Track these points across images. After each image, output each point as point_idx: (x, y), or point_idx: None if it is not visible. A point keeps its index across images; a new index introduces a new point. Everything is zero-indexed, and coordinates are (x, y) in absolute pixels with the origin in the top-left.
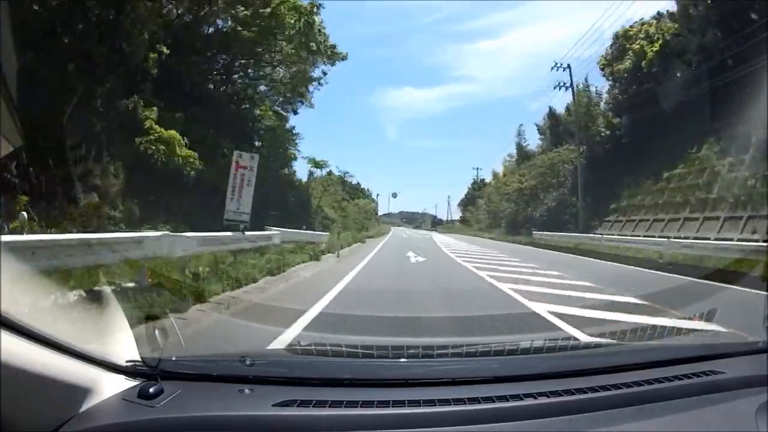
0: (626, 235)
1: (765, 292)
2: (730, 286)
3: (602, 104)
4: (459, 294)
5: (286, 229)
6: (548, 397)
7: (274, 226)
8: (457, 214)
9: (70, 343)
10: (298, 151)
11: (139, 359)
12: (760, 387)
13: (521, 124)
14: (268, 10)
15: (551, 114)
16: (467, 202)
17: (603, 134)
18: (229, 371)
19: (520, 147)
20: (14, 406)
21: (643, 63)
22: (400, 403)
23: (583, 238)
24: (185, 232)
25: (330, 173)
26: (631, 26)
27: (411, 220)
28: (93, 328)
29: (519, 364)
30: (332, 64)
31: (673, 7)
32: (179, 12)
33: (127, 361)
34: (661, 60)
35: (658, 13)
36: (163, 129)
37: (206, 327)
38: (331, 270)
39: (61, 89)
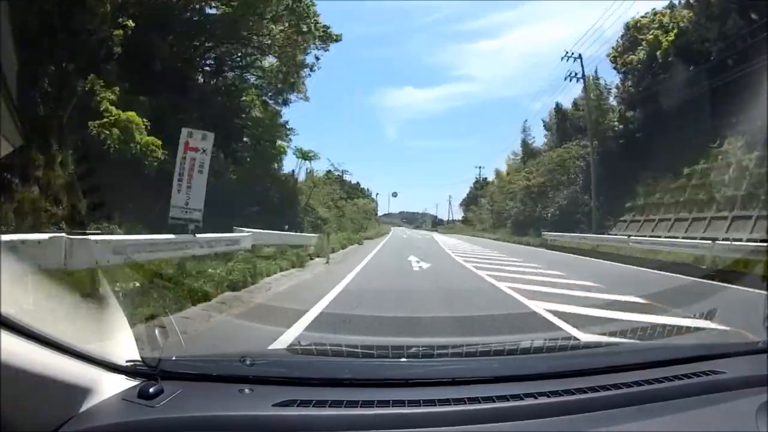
0: (659, 236)
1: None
2: None
3: (611, 99)
4: (487, 322)
5: (264, 231)
6: (548, 397)
7: (251, 227)
8: (458, 214)
9: (70, 343)
10: (290, 143)
11: (139, 359)
12: (760, 387)
13: (526, 120)
14: None
15: (558, 109)
16: (469, 202)
17: (616, 128)
18: (229, 371)
19: (525, 144)
20: (14, 406)
21: (658, 53)
22: (400, 403)
23: (602, 240)
24: (141, 233)
25: (329, 172)
26: (643, 16)
27: (411, 220)
28: (93, 328)
29: (519, 364)
30: (325, 49)
31: None
32: None
33: (127, 361)
34: (677, 50)
35: (671, 2)
36: (120, 111)
37: None
38: (315, 281)
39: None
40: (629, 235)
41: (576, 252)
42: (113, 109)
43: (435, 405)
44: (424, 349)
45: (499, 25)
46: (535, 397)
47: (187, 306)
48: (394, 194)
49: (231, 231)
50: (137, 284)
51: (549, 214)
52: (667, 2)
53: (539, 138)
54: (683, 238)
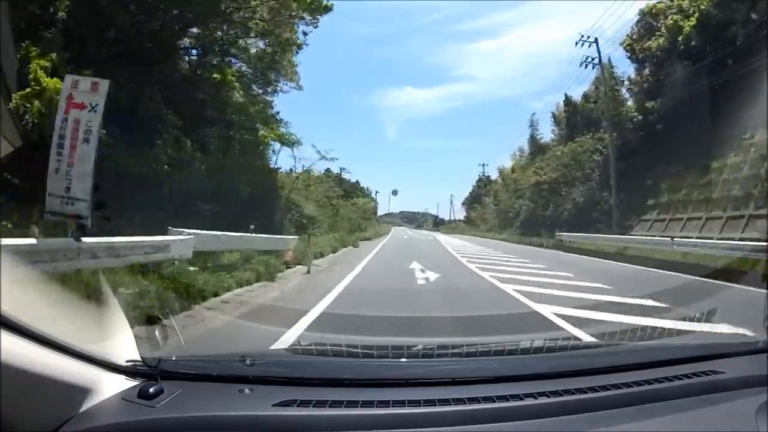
0: (710, 239)
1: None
2: None
3: (624, 90)
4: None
5: (220, 233)
6: (548, 397)
7: (208, 228)
8: (460, 214)
9: (70, 343)
10: (278, 131)
11: (139, 359)
12: (760, 387)
13: (534, 114)
14: None
15: (568, 102)
16: (472, 201)
17: (635, 119)
18: (229, 371)
19: (533, 139)
20: (14, 406)
21: (679, 39)
22: (400, 403)
23: (628, 242)
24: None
25: (328, 170)
26: (659, 1)
27: (412, 220)
28: (93, 328)
29: (519, 364)
30: (315, 25)
31: None
32: None
33: (127, 361)
34: (700, 34)
35: None
36: (49, 79)
37: None
38: (284, 302)
39: None
40: (672, 237)
41: (602, 255)
42: (43, 76)
43: (435, 405)
44: (424, 350)
45: (499, 25)
46: (535, 397)
47: None
48: (395, 192)
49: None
50: None
51: (564, 213)
52: None
53: (546, 134)
54: (718, 239)
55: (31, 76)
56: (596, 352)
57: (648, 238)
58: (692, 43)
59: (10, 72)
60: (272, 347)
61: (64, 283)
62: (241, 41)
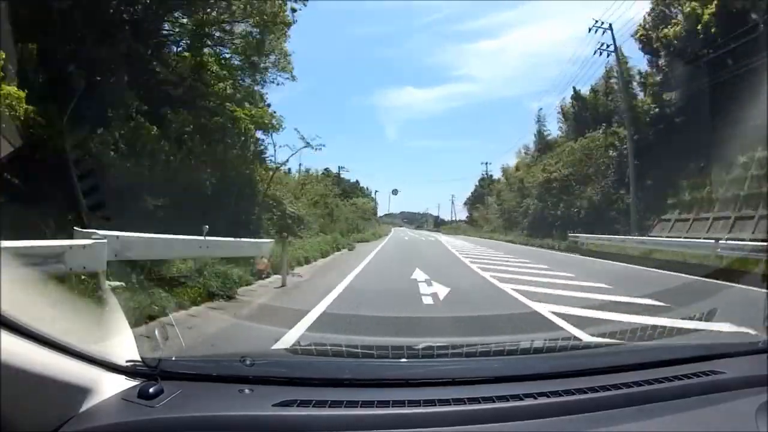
0: (742, 240)
1: None
2: None
3: (635, 84)
4: None
5: (164, 236)
6: (548, 397)
7: (152, 230)
8: (461, 214)
9: (70, 343)
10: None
11: (139, 359)
12: (760, 387)
13: (541, 108)
14: None
15: (576, 96)
16: (474, 201)
17: (652, 112)
18: (229, 371)
19: (540, 135)
20: (14, 406)
21: (698, 28)
22: (400, 403)
23: (655, 244)
24: None
25: (327, 170)
26: None
27: (412, 220)
28: (93, 328)
29: (519, 364)
30: (304, 2)
31: None
32: None
33: (127, 361)
34: (721, 21)
35: None
36: None
37: None
38: (225, 337)
39: None
40: (717, 239)
41: (633, 260)
42: None
43: (435, 405)
44: (424, 350)
45: (499, 25)
46: (535, 398)
47: None
48: (395, 192)
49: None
50: None
51: (577, 212)
52: None
53: (552, 131)
54: (751, 240)
55: None
56: (596, 352)
57: (676, 239)
58: (712, 31)
59: (10, 72)
60: (273, 347)
61: (64, 283)
62: (225, 24)
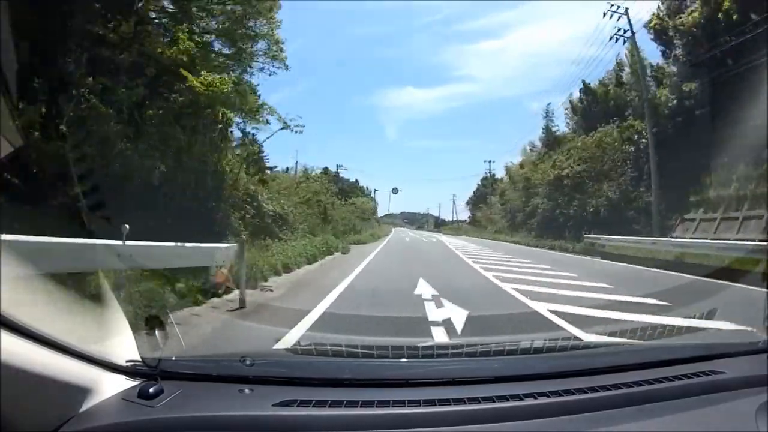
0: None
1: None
2: None
3: (648, 77)
4: None
5: (59, 240)
6: (548, 397)
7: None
8: (463, 214)
9: (70, 343)
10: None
11: (139, 359)
12: (760, 387)
13: (549, 103)
14: None
15: (586, 90)
16: (477, 201)
17: (670, 104)
18: (229, 371)
19: (548, 130)
20: (14, 406)
21: (720, 15)
22: (400, 403)
23: (682, 246)
24: None
25: (326, 170)
26: None
27: (413, 220)
28: (93, 328)
29: (519, 364)
30: None
31: None
32: None
33: (127, 361)
34: (742, 7)
35: None
36: None
37: None
38: None
39: None
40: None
41: (670, 266)
42: None
43: (435, 405)
44: (424, 350)
45: (499, 25)
46: (535, 397)
47: None
48: (395, 191)
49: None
50: None
51: (594, 211)
52: None
53: (559, 128)
54: None
55: None
56: (596, 352)
57: (724, 240)
58: (733, 18)
59: (10, 72)
60: (273, 347)
61: (64, 283)
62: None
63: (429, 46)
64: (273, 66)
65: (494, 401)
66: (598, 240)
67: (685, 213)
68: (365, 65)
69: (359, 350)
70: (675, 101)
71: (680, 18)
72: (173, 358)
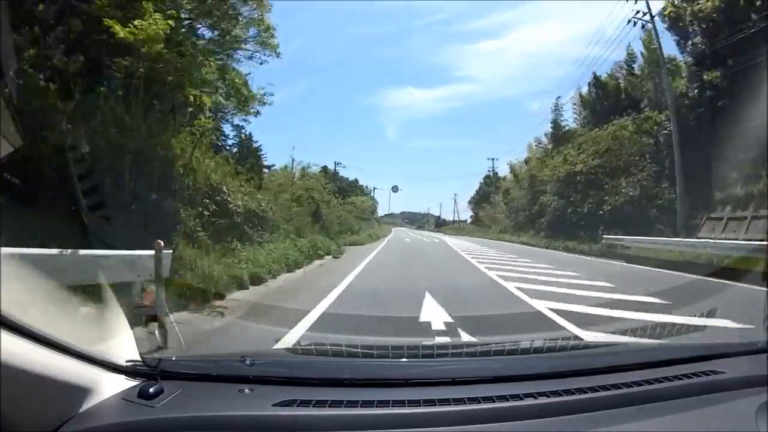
0: None
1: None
2: None
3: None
4: None
5: None
6: (548, 397)
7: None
8: (465, 214)
9: (70, 343)
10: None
11: (139, 359)
12: (760, 387)
13: (559, 97)
14: None
15: (596, 82)
16: (479, 200)
17: (691, 94)
18: (229, 371)
19: (557, 125)
20: (14, 406)
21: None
22: (400, 403)
23: (720, 249)
24: None
25: (325, 168)
26: None
27: (413, 220)
28: (93, 327)
29: (519, 364)
30: None
31: None
32: None
33: (127, 361)
34: None
35: None
36: None
37: None
38: None
39: None
40: None
41: (728, 275)
42: None
43: (435, 405)
44: (424, 350)
45: (499, 25)
46: (535, 397)
47: None
48: (395, 189)
49: None
50: None
51: (615, 209)
52: None
53: (568, 121)
54: None
55: None
56: (596, 352)
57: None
58: (756, 3)
59: (11, 72)
60: (273, 347)
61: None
62: None
63: (429, 46)
64: (264, 54)
65: (494, 401)
66: (622, 241)
67: (710, 211)
68: (366, 65)
69: (359, 350)
70: (696, 91)
71: (698, 4)
72: (173, 358)
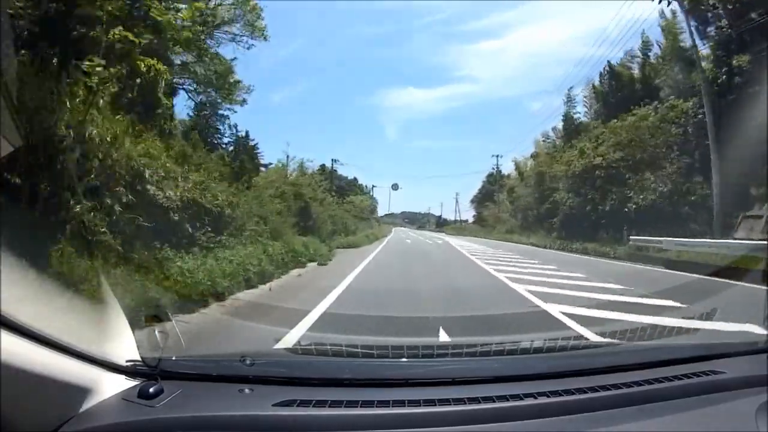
0: None
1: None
2: None
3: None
4: None
5: None
6: (548, 397)
7: None
8: (466, 213)
9: (70, 343)
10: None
11: (139, 359)
12: (760, 387)
13: (571, 87)
14: None
15: (610, 72)
16: (483, 199)
17: (719, 80)
18: (229, 371)
19: (568, 117)
20: (14, 406)
21: None
22: (400, 403)
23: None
24: None
25: (323, 167)
26: None
27: (413, 220)
28: (93, 328)
29: (519, 364)
30: None
31: None
32: None
33: (127, 361)
34: None
35: None
36: None
37: None
38: None
39: None
40: None
41: None
42: None
43: (435, 405)
44: (424, 349)
45: (499, 25)
46: (535, 397)
47: None
48: (395, 187)
49: None
50: None
51: (641, 207)
52: None
53: (580, 114)
54: None
55: None
56: (596, 352)
57: None
58: None
59: (10, 72)
60: (273, 347)
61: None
62: None
63: (429, 46)
64: (250, 38)
65: (494, 401)
66: (660, 243)
67: (747, 210)
68: (366, 65)
69: (359, 350)
70: (724, 77)
71: None
72: (173, 358)
